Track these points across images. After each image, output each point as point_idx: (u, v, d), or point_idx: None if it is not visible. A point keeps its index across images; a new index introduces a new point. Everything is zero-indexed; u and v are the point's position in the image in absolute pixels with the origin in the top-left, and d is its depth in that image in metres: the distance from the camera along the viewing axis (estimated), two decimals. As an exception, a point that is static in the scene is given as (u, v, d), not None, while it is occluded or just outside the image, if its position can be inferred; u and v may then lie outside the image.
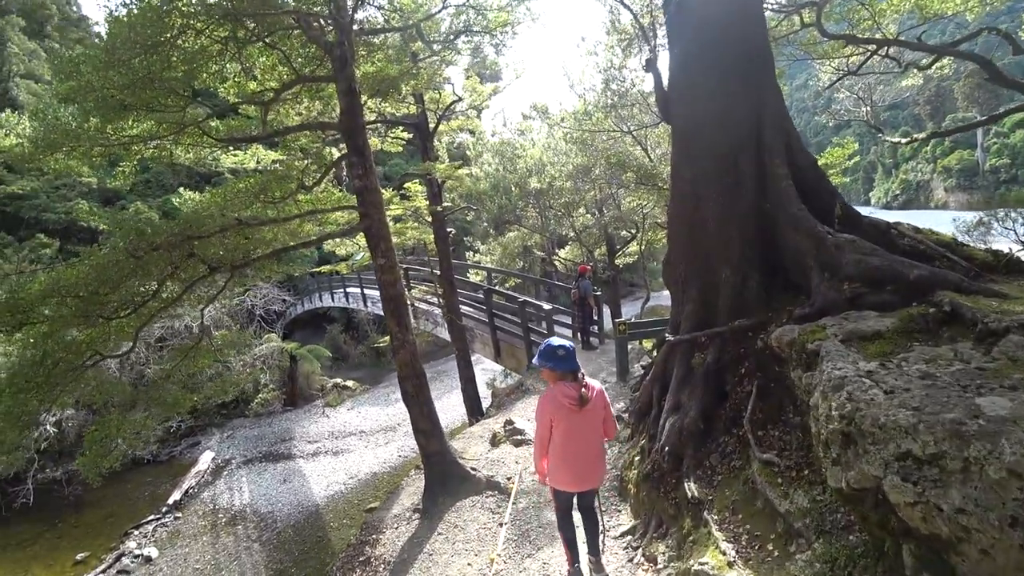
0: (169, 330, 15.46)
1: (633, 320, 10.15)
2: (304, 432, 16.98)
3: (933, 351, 2.38)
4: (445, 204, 12.01)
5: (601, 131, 13.00)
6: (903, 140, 9.67)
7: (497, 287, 15.49)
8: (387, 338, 7.02)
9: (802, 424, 3.19)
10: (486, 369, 17.47)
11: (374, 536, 5.93)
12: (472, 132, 17.63)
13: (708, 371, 4.06)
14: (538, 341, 9.14)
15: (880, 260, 3.33)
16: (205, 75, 5.57)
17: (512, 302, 11.30)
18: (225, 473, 14.49)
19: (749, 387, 3.74)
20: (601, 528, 3.72)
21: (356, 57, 6.43)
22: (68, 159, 5.27)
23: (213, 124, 5.94)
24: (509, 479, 6.05)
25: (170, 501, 12.58)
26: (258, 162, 8.68)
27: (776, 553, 2.78)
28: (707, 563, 3.00)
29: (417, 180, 12.67)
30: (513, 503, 5.32)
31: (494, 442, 7.35)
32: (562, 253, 19.32)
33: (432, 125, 10.96)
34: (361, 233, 6.45)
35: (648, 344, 9.36)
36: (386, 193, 10.18)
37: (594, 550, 3.70)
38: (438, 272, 12.09)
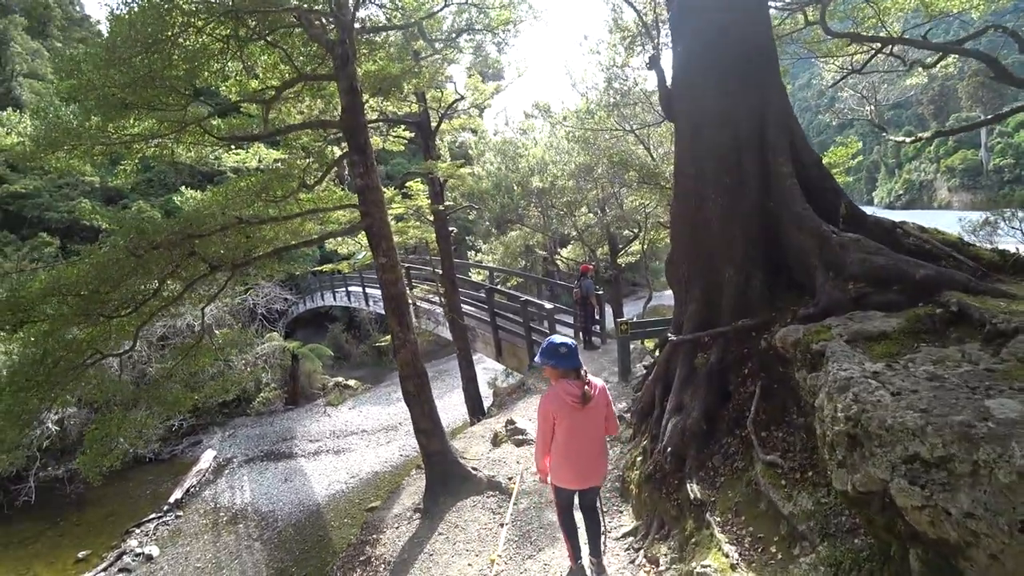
0: (171, 329, 15.47)
1: (635, 320, 10.11)
2: (305, 431, 16.99)
3: (940, 352, 2.34)
4: (447, 203, 11.99)
5: (603, 130, 12.97)
6: (907, 139, 9.61)
7: (499, 286, 15.48)
8: (389, 337, 7.00)
9: (806, 425, 3.16)
10: (487, 368, 17.46)
11: (375, 536, 5.91)
12: (474, 131, 17.61)
13: (711, 371, 4.03)
14: (540, 341, 9.12)
15: (885, 259, 3.30)
16: (206, 73, 5.54)
17: (514, 301, 11.28)
18: (226, 472, 14.50)
19: (752, 388, 3.71)
20: (603, 529, 3.70)
21: (358, 55, 6.40)
22: (69, 158, 5.26)
23: (215, 123, 5.92)
24: (510, 479, 6.03)
25: (171, 500, 12.59)
26: (260, 161, 8.67)
27: (779, 556, 2.76)
28: (709, 565, 2.98)
29: (419, 179, 12.65)
30: (514, 503, 5.30)
31: (495, 442, 7.33)
32: (564, 252, 19.30)
33: (434, 124, 10.94)
34: (363, 232, 6.43)
35: (650, 344, 9.32)
36: (388, 192, 10.17)
37: (595, 551, 3.67)
38: (440, 271, 12.07)
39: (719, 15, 4.41)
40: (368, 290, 17.39)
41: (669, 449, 3.98)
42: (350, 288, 18.93)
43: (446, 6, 7.43)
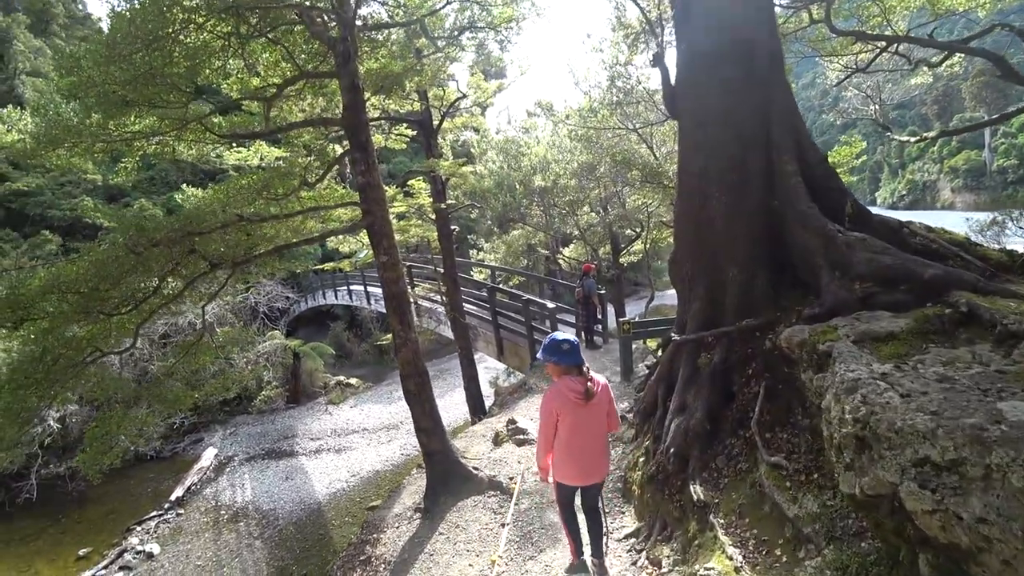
0: (173, 327, 15.49)
1: (637, 319, 10.07)
2: (307, 429, 16.98)
3: (950, 353, 2.31)
4: (449, 202, 11.95)
5: (606, 128, 12.92)
6: (912, 139, 9.56)
7: (501, 285, 15.45)
8: (390, 336, 6.97)
9: (811, 427, 3.12)
10: (489, 367, 17.42)
11: (375, 535, 5.88)
12: (476, 129, 17.54)
13: (715, 371, 3.99)
14: (542, 340, 9.08)
15: (892, 259, 3.26)
16: (208, 71, 5.51)
17: (516, 300, 11.24)
18: (228, 470, 14.50)
19: (757, 388, 3.67)
20: (605, 530, 3.66)
21: (359, 53, 6.37)
22: (70, 155, 5.24)
23: (216, 120, 5.89)
24: (511, 479, 5.99)
25: (172, 497, 12.59)
26: (261, 159, 8.64)
27: (784, 559, 2.72)
28: (713, 568, 2.94)
29: (421, 177, 12.61)
30: (515, 503, 5.27)
31: (496, 441, 7.30)
32: (566, 251, 19.26)
33: (436, 122, 10.90)
34: (364, 230, 6.41)
35: (652, 344, 9.29)
36: (390, 190, 10.13)
37: (597, 552, 3.64)
38: (441, 270, 12.04)
39: (724, 12, 4.37)
40: (370, 288, 17.37)
41: (672, 450, 3.94)
42: (352, 287, 18.92)
43: (448, 3, 7.39)
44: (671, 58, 5.70)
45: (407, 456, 14.04)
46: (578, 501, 3.66)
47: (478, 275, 17.97)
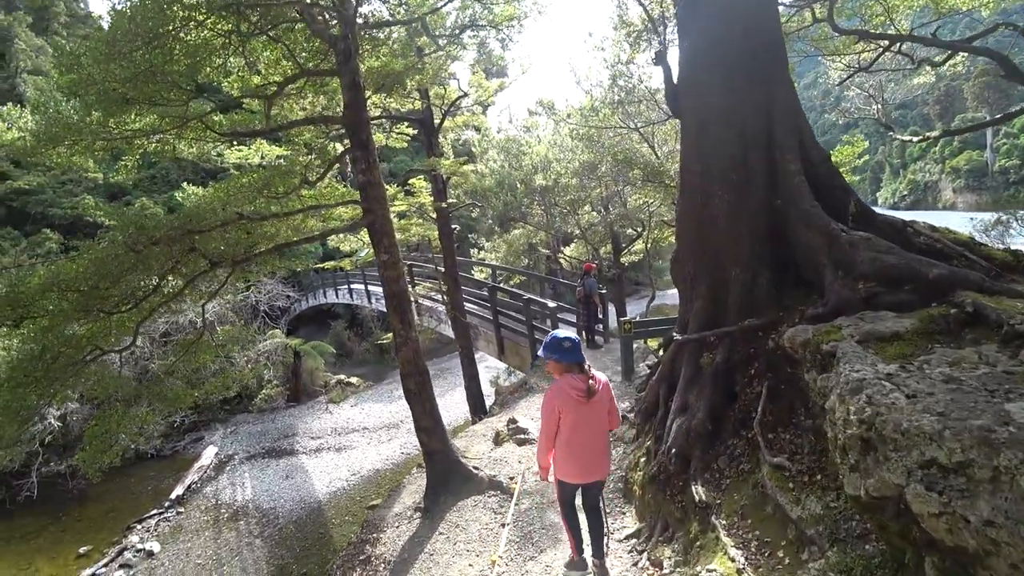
0: (173, 325, 15.48)
1: (638, 319, 10.05)
2: (307, 428, 16.98)
3: (956, 353, 2.28)
4: (450, 200, 11.93)
5: (608, 128, 12.89)
6: (914, 139, 9.53)
7: (502, 284, 15.42)
8: (391, 335, 6.96)
9: (814, 427, 3.10)
10: (490, 367, 17.40)
11: (375, 535, 5.87)
12: (477, 128, 17.56)
13: (717, 371, 3.97)
14: (542, 339, 9.06)
15: (897, 258, 3.23)
16: (208, 69, 5.50)
17: (517, 299, 11.22)
18: (228, 468, 14.50)
19: (759, 388, 3.65)
20: (605, 530, 3.65)
21: (361, 51, 6.35)
22: (71, 153, 5.22)
23: (216, 118, 5.87)
24: (512, 479, 5.98)
25: (173, 496, 12.59)
26: (262, 157, 8.62)
27: (787, 561, 2.70)
28: (715, 570, 2.92)
29: (422, 176, 12.60)
30: (516, 503, 5.25)
31: (497, 441, 7.28)
32: (567, 251, 19.24)
33: (437, 121, 10.88)
34: (365, 229, 6.39)
35: (653, 343, 9.26)
36: (390, 189, 10.11)
37: (598, 552, 3.63)
38: (442, 269, 12.02)
39: (727, 10, 4.35)
40: (370, 287, 17.36)
41: (674, 450, 3.92)
42: (352, 286, 18.90)
43: (449, 1, 7.38)
44: (673, 56, 5.68)
45: (407, 455, 14.03)
46: (579, 501, 3.65)
47: (479, 274, 17.95)
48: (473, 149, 21.36)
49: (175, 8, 4.69)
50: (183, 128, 5.54)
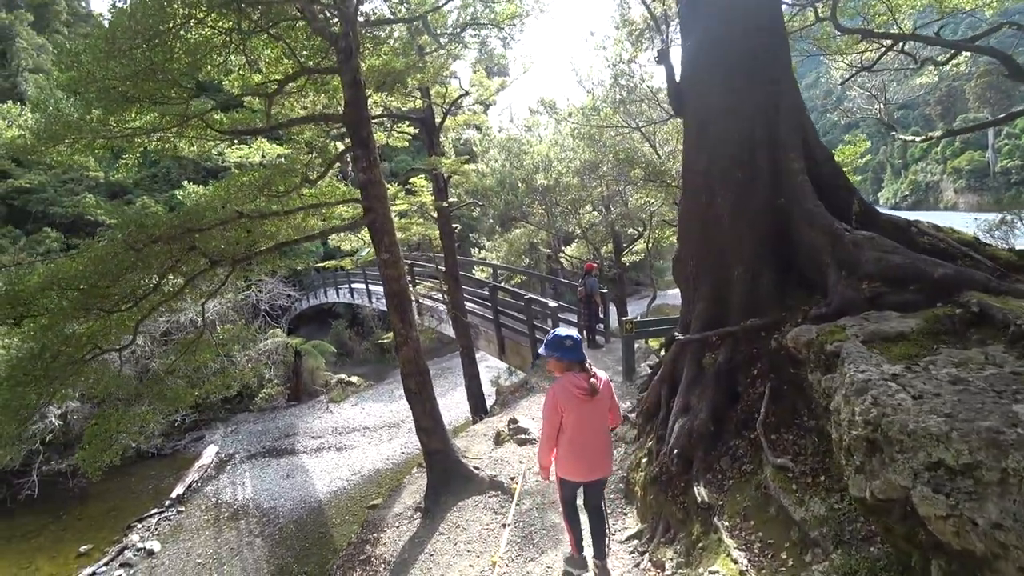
0: (174, 324, 15.46)
1: (639, 319, 10.03)
2: (308, 428, 16.97)
3: (962, 354, 2.26)
4: (451, 200, 11.91)
5: (609, 127, 12.87)
6: (916, 138, 9.49)
7: (502, 284, 15.40)
8: (391, 334, 6.94)
9: (818, 428, 3.08)
10: (490, 367, 17.38)
11: (375, 535, 5.85)
12: (479, 127, 17.54)
13: (719, 371, 3.94)
14: (543, 339, 9.04)
15: (902, 258, 3.21)
16: (209, 67, 5.49)
17: (518, 299, 11.20)
18: (228, 468, 14.49)
19: (762, 389, 3.62)
20: (607, 530, 3.63)
21: (362, 50, 6.33)
22: (71, 151, 5.20)
23: (217, 117, 5.85)
24: (512, 479, 5.95)
25: (173, 495, 12.59)
26: (263, 156, 8.60)
27: (791, 563, 2.67)
28: (718, 572, 2.90)
29: (423, 175, 12.58)
30: (516, 504, 5.23)
31: (498, 441, 7.26)
32: (568, 250, 19.22)
33: (438, 120, 10.86)
34: (365, 228, 6.37)
35: (654, 343, 9.24)
36: (391, 188, 10.10)
37: (600, 553, 3.61)
38: (443, 268, 12.01)
39: (727, 10, 4.33)
40: (371, 287, 17.35)
41: (676, 451, 3.90)
42: (353, 285, 18.89)
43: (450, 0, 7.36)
44: (676, 55, 5.65)
45: (408, 455, 14.02)
46: (580, 501, 3.63)
47: (480, 273, 17.94)
48: (474, 148, 21.34)
49: (176, 5, 4.68)
50: (184, 126, 5.52)
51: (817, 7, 7.81)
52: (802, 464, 3.03)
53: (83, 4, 33.45)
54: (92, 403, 13.12)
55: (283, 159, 7.50)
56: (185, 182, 8.54)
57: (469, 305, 12.74)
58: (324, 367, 20.45)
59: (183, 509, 12.25)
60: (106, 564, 10.13)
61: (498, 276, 16.99)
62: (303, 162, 6.60)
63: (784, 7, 7.56)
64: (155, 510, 12.03)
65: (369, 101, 6.64)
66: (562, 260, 18.71)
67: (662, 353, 5.93)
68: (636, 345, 8.76)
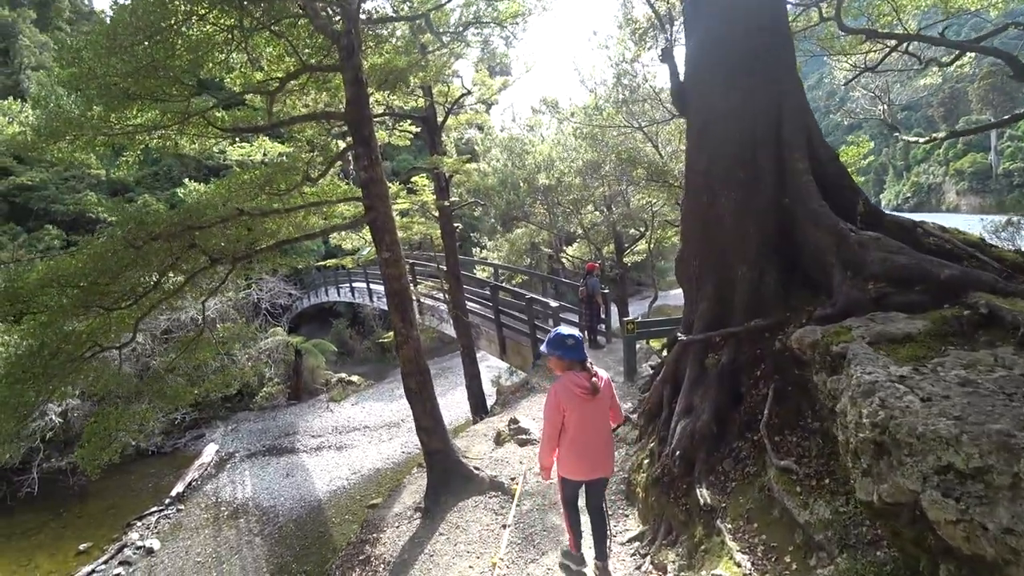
0: (174, 322, 15.46)
1: (641, 319, 10.00)
2: (308, 426, 16.96)
3: (971, 356, 2.23)
4: (452, 199, 11.89)
5: (611, 127, 12.84)
6: (920, 140, 9.44)
7: (504, 283, 15.37)
8: (392, 333, 6.91)
9: (822, 430, 3.05)
10: (491, 366, 17.36)
11: (375, 535, 5.82)
12: (480, 127, 17.51)
13: (722, 372, 3.91)
14: (544, 339, 9.01)
15: (907, 259, 3.17)
16: (210, 64, 5.46)
17: (519, 299, 11.17)
18: (228, 466, 14.48)
19: (765, 390, 3.59)
20: (608, 531, 3.60)
21: (364, 48, 6.31)
22: (72, 148, 5.17)
23: (218, 115, 5.83)
24: (513, 480, 5.93)
25: (173, 493, 12.58)
26: (265, 154, 8.59)
27: (795, 566, 2.64)
28: (721, 575, 2.87)
29: (424, 175, 12.56)
30: (517, 505, 5.20)
31: (498, 441, 7.23)
32: (570, 250, 19.19)
33: (440, 119, 10.84)
34: (366, 226, 6.34)
35: (656, 344, 9.21)
36: (393, 187, 10.07)
37: (601, 554, 3.58)
38: (444, 267, 11.98)
39: (728, 10, 4.30)
40: (372, 286, 17.33)
41: (678, 452, 3.86)
42: (354, 284, 18.87)
43: (453, -2, 7.33)
44: (680, 55, 5.62)
45: (408, 454, 14.00)
46: (582, 502, 3.61)
47: (481, 273, 17.91)
48: (476, 147, 21.31)
49: (177, 2, 4.66)
50: (185, 124, 5.50)
51: (821, 7, 7.78)
52: (806, 466, 3.00)
53: (86, 2, 33.52)
54: (92, 401, 13.11)
55: (284, 157, 7.48)
56: (186, 180, 8.51)
57: (470, 305, 12.71)
58: (325, 366, 20.45)
59: (183, 507, 12.23)
60: (105, 562, 10.12)
61: (499, 276, 16.96)
62: (304, 160, 6.58)
63: (788, 7, 7.53)
64: (155, 508, 12.02)
65: (371, 99, 6.63)
66: (563, 260, 18.69)
67: (664, 353, 5.90)
68: (637, 345, 8.73)
